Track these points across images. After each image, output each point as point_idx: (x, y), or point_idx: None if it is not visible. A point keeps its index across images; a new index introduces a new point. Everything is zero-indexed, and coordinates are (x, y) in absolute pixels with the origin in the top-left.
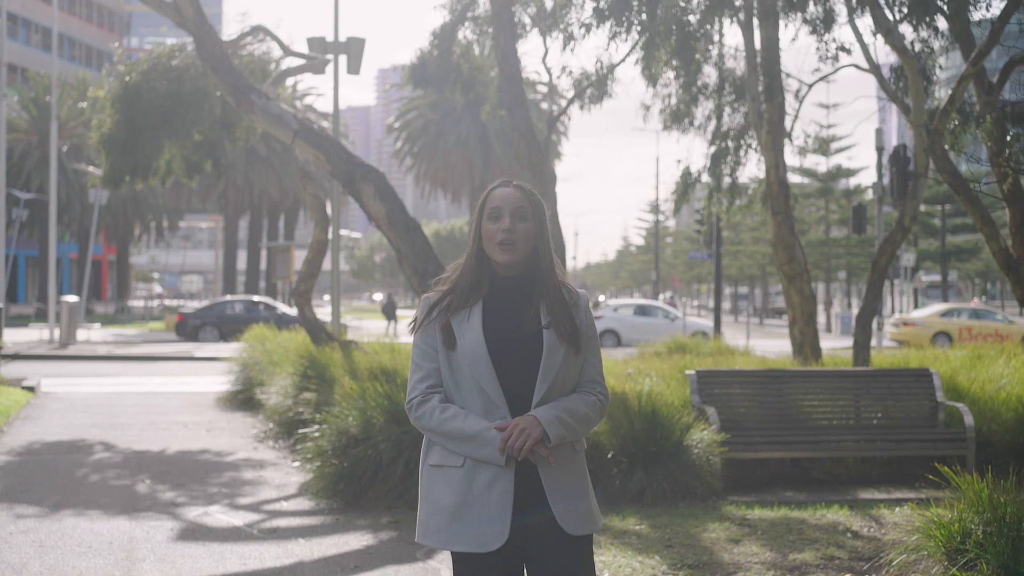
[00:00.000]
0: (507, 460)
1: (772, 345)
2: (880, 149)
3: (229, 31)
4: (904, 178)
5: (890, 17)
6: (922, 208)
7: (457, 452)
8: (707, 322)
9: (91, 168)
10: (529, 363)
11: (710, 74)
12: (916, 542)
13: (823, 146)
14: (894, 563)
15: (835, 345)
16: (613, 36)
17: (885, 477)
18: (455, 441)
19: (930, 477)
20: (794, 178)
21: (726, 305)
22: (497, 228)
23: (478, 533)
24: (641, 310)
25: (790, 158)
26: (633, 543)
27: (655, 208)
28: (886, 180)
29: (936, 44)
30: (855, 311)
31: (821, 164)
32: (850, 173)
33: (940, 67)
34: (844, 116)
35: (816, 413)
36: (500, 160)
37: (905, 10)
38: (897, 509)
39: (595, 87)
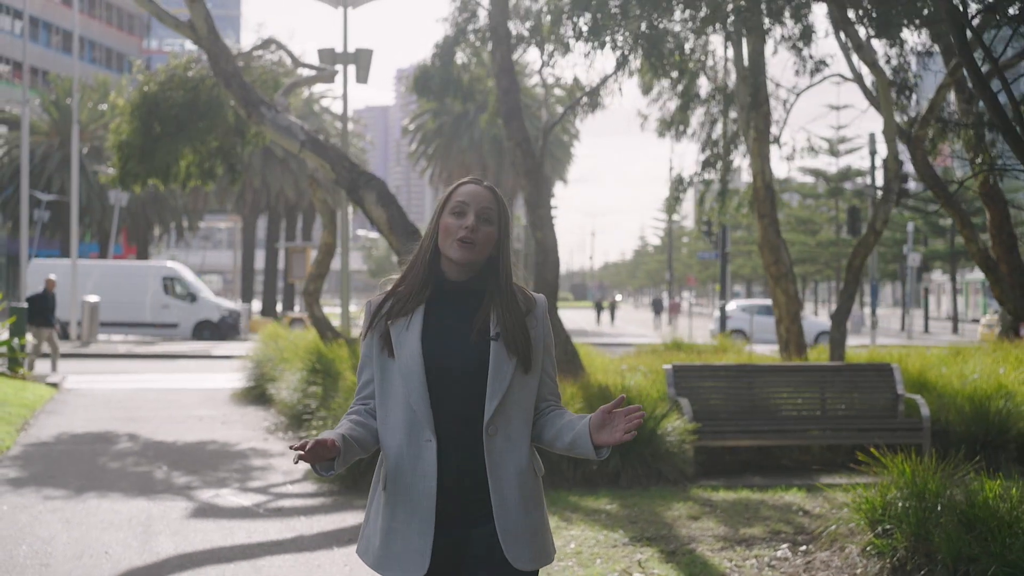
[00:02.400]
0: (321, 470)
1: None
2: (874, 153)
3: (247, 39)
4: (898, 180)
5: (863, 34)
6: (935, 207)
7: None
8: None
9: (110, 169)
10: (472, 378)
11: (702, 84)
12: (846, 515)
13: (833, 147)
14: (826, 534)
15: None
16: (589, 53)
17: (850, 465)
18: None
19: (861, 458)
20: (806, 179)
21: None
22: (459, 225)
23: (401, 560)
24: (767, 310)
25: (802, 160)
26: (602, 519)
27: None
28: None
29: (908, 58)
30: (867, 310)
31: (832, 165)
32: (860, 174)
33: (918, 77)
34: (856, 117)
35: (784, 405)
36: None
37: (877, 27)
38: (851, 492)
39: (588, 98)
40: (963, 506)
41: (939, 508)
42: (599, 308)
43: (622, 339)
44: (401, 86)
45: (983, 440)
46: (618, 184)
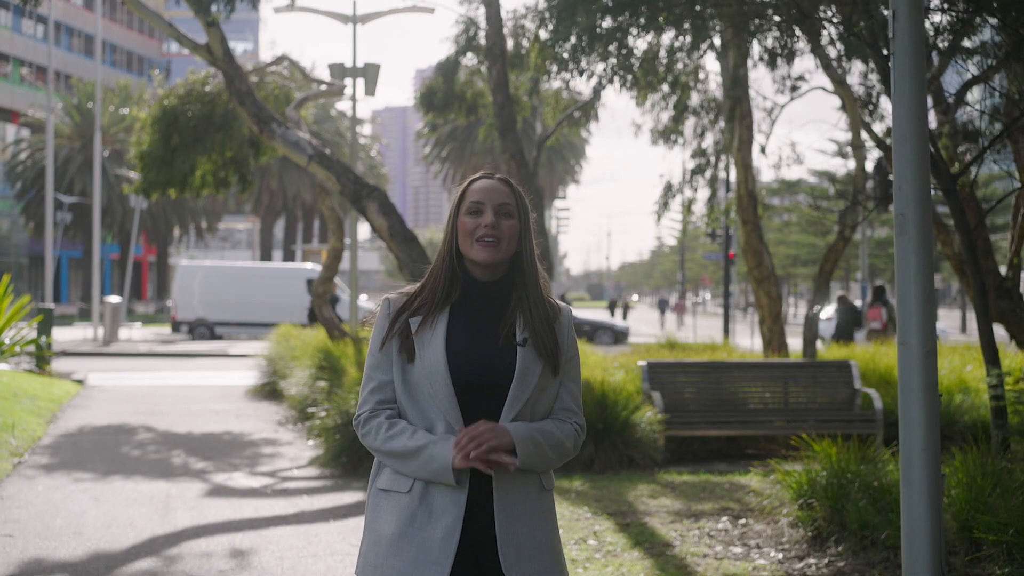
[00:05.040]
0: (459, 479)
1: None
2: (865, 159)
3: (263, 41)
4: (885, 187)
5: (832, 53)
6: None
7: (405, 473)
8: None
9: (132, 174)
10: (497, 384)
11: (692, 95)
12: (779, 492)
13: (842, 149)
14: (759, 508)
15: None
16: (570, 80)
17: (782, 451)
18: (401, 460)
19: (794, 442)
20: (813, 180)
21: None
22: (478, 223)
23: (414, 571)
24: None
25: (810, 163)
26: (571, 498)
27: (685, 208)
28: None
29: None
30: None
31: (842, 167)
32: (868, 176)
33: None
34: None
35: (750, 398)
36: None
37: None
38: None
39: (582, 110)
40: (872, 483)
41: (856, 485)
42: (612, 308)
43: (628, 338)
44: (420, 87)
45: None
46: (637, 184)
